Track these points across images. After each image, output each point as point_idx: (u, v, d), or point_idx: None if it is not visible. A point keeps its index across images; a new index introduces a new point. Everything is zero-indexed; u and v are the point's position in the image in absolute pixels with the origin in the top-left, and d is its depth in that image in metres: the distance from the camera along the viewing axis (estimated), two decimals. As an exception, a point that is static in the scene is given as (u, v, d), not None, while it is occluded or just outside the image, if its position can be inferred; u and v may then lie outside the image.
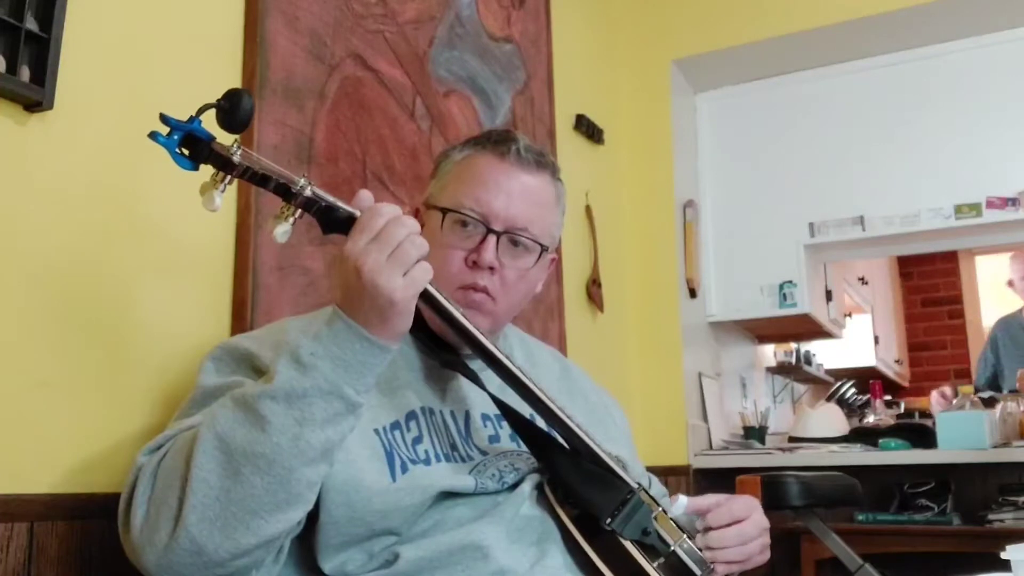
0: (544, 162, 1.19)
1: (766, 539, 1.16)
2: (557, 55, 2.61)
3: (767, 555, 1.16)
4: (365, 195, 0.96)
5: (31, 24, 1.17)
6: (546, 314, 2.36)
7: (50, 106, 1.18)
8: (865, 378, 4.32)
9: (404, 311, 0.92)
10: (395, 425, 1.07)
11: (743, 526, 1.12)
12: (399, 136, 1.87)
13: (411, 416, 1.09)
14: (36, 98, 1.16)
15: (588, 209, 2.75)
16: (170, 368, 1.32)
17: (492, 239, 1.12)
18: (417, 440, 1.07)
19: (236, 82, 1.52)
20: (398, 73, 1.89)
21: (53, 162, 1.21)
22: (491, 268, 1.12)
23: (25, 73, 1.16)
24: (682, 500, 1.11)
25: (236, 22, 1.53)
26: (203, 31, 1.47)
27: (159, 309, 1.32)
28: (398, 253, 0.90)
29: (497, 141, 1.18)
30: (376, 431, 1.04)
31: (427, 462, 1.06)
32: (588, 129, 2.80)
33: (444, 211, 1.14)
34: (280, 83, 1.58)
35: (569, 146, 2.67)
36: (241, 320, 1.43)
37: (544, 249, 1.17)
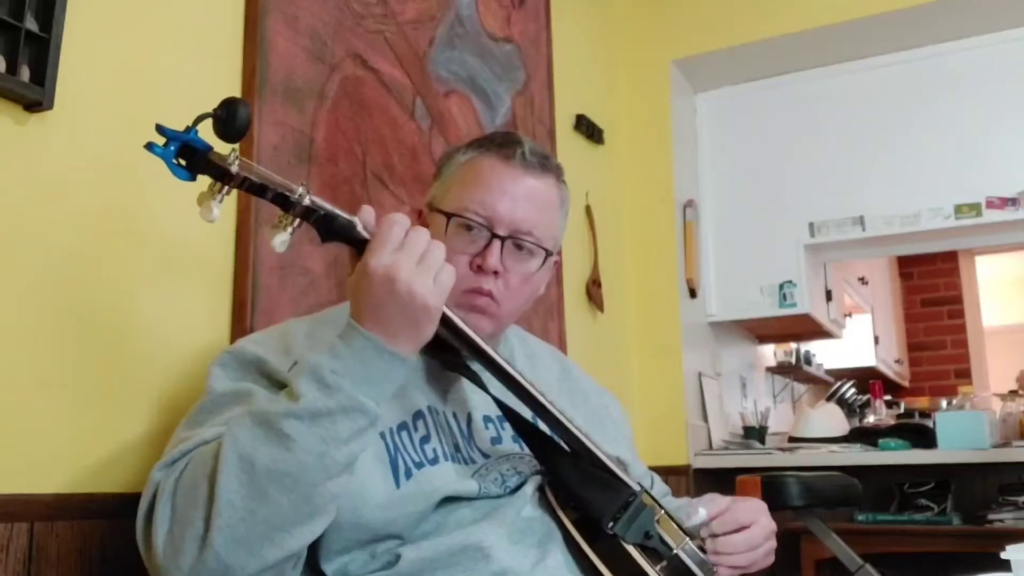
0: (549, 165, 1.18)
1: (772, 543, 1.15)
2: (557, 55, 2.60)
3: (772, 559, 1.15)
4: (369, 211, 0.95)
5: (31, 24, 1.16)
6: (546, 314, 2.36)
7: (50, 106, 1.18)
8: (865, 378, 4.31)
9: (436, 316, 0.93)
10: (402, 426, 1.07)
11: (750, 532, 1.11)
12: (399, 136, 1.87)
13: (418, 416, 1.09)
14: (36, 98, 1.16)
15: (588, 209, 2.75)
16: (170, 369, 1.32)
17: (496, 244, 1.11)
18: (425, 440, 1.07)
19: (236, 82, 1.51)
20: (398, 73, 1.89)
21: (53, 162, 1.20)
22: (495, 272, 1.11)
23: (25, 73, 1.15)
24: (702, 512, 1.09)
25: (236, 22, 1.53)
26: (203, 31, 1.47)
27: (159, 309, 1.32)
28: (426, 259, 0.92)
29: (501, 144, 1.17)
30: (382, 434, 1.03)
31: (434, 461, 1.06)
32: (588, 129, 2.79)
33: (448, 215, 1.13)
34: (280, 83, 1.57)
35: (569, 146, 2.66)
36: (241, 321, 1.43)
37: (548, 253, 1.17)
